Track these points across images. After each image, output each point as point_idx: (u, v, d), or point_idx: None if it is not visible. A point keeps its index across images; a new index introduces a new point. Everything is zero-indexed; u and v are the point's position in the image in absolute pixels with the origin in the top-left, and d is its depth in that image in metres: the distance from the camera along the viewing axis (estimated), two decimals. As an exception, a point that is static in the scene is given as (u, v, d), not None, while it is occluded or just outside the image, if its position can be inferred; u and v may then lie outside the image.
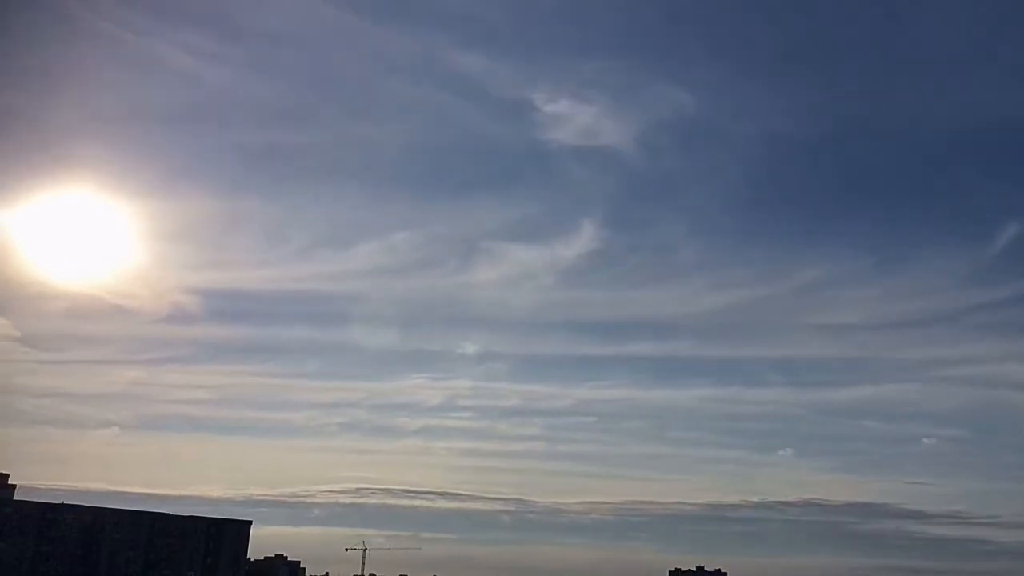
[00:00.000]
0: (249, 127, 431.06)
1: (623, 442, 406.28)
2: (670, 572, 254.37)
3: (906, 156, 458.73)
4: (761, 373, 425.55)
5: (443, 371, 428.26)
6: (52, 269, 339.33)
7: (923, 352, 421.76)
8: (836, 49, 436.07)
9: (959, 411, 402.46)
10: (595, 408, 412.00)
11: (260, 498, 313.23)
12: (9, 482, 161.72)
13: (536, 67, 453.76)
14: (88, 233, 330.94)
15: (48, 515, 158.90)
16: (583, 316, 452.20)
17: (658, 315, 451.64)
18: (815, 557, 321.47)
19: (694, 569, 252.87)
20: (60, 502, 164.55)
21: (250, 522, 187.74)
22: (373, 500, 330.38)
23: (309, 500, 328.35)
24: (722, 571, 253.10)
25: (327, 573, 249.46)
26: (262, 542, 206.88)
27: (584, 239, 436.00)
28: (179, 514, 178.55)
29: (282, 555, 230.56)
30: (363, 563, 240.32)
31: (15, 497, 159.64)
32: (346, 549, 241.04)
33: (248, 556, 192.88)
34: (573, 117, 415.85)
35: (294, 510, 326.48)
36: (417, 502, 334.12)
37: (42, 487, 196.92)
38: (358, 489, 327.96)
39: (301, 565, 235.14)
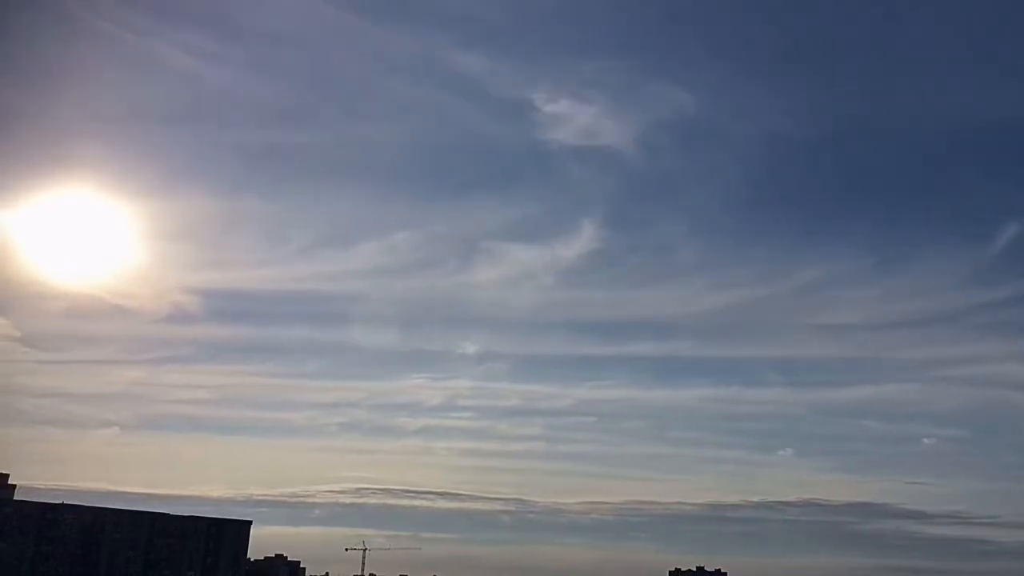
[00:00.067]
0: (249, 127, 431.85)
1: (623, 442, 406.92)
2: (670, 572, 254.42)
3: (906, 156, 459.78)
4: (761, 373, 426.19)
5: (443, 371, 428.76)
6: (52, 269, 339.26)
7: (923, 352, 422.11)
8: (836, 49, 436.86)
9: (959, 411, 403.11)
10: (595, 408, 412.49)
11: (260, 498, 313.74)
12: (9, 482, 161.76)
13: (536, 67, 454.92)
14: (88, 233, 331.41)
15: (48, 515, 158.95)
16: (583, 316, 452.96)
17: (658, 315, 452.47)
18: (815, 557, 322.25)
19: (694, 569, 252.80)
20: (60, 502, 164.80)
21: (250, 522, 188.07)
22: (373, 500, 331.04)
23: (309, 500, 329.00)
24: (722, 571, 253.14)
25: (327, 573, 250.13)
26: (262, 542, 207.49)
27: (584, 239, 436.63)
28: (179, 514, 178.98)
29: (282, 555, 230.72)
30: (363, 563, 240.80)
31: (15, 497, 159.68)
32: (346, 549, 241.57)
33: (248, 556, 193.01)
34: (573, 117, 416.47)
35: (294, 510, 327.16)
36: (417, 502, 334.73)
37: (42, 487, 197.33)
38: (358, 489, 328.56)
39: (301, 565, 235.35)
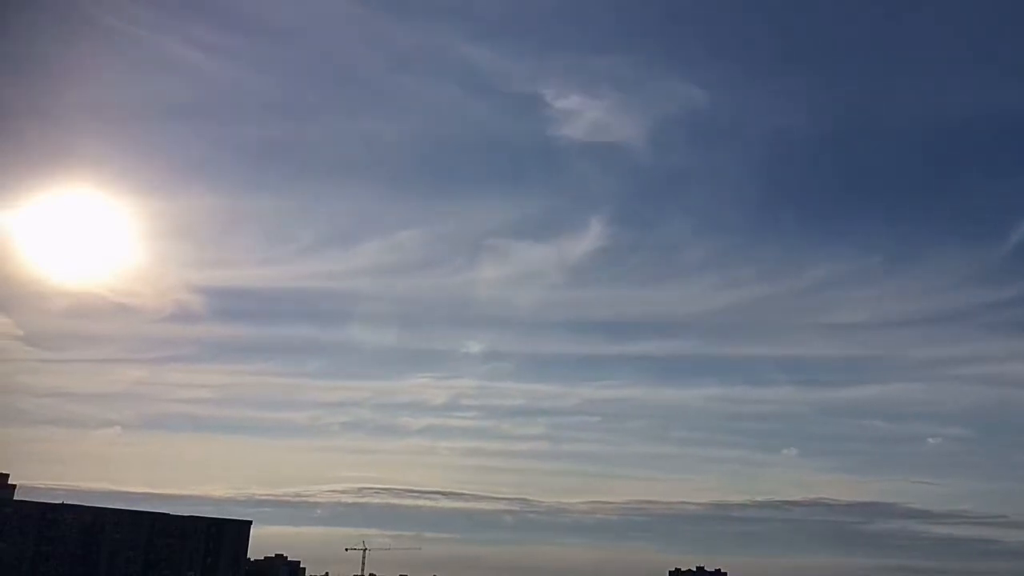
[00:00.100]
0: (253, 123, 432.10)
1: (627, 442, 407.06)
2: (669, 572, 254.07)
3: (912, 155, 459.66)
4: (766, 372, 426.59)
5: (447, 370, 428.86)
6: (54, 268, 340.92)
7: (929, 351, 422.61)
8: (846, 47, 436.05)
9: (965, 411, 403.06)
10: (599, 408, 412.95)
11: (262, 498, 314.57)
12: (9, 482, 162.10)
13: (546, 62, 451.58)
14: (90, 231, 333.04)
15: (48, 515, 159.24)
16: (588, 315, 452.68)
17: (663, 314, 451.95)
18: (819, 557, 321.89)
19: (694, 569, 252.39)
20: (60, 502, 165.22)
21: (250, 522, 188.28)
22: (376, 500, 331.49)
23: (311, 500, 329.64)
24: (722, 571, 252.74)
25: (327, 573, 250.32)
26: (263, 542, 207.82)
27: (591, 237, 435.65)
28: (179, 514, 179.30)
29: (282, 555, 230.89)
30: (363, 563, 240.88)
31: (15, 497, 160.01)
32: (346, 549, 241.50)
33: (248, 556, 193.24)
34: (583, 112, 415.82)
35: (296, 510, 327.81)
36: (420, 502, 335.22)
37: (42, 487, 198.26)
38: (360, 489, 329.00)
39: (301, 565, 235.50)
